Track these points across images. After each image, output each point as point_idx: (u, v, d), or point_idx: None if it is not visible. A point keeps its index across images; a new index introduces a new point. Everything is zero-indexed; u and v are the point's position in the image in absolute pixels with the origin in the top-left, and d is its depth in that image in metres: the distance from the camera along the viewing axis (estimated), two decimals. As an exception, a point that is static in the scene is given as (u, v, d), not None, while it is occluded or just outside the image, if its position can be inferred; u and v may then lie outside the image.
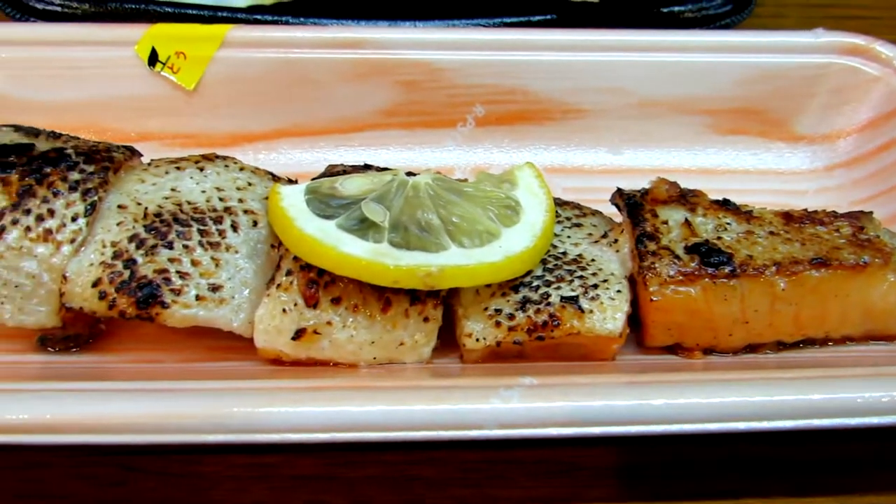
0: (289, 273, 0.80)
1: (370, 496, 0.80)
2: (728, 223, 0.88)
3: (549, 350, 0.84)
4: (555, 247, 0.87)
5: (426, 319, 0.82)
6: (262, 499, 0.79)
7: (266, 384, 0.73)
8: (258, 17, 1.16)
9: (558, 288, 0.83)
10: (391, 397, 0.69)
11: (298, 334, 0.79)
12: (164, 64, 1.05)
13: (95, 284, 0.79)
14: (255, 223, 0.85)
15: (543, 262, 0.85)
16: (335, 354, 0.81)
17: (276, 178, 0.91)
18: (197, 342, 0.86)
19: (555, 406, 0.69)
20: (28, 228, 0.79)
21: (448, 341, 0.85)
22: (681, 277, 0.82)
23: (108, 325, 0.87)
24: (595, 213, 0.95)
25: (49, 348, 0.85)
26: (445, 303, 0.83)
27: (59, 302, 0.80)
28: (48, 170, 0.82)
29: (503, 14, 1.19)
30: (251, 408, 0.68)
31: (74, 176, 0.82)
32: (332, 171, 0.92)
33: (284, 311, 0.79)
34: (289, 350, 0.80)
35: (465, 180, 0.91)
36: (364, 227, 0.80)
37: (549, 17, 1.19)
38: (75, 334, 0.85)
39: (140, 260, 0.79)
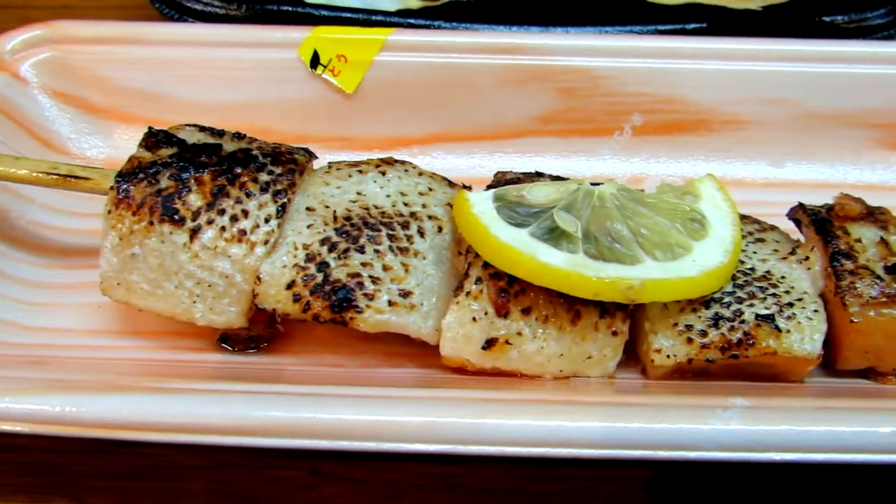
0: (478, 281, 0.79)
1: (557, 512, 0.79)
2: (924, 243, 0.84)
3: (736, 369, 0.81)
4: (742, 262, 0.84)
5: (615, 333, 0.80)
6: (448, 509, 0.78)
7: (468, 394, 0.72)
8: (411, 21, 1.15)
9: (751, 305, 0.81)
10: (606, 413, 0.68)
11: (489, 344, 0.78)
12: (325, 67, 1.06)
13: (289, 287, 0.79)
14: (439, 229, 0.84)
15: (732, 277, 0.83)
16: (522, 365, 0.79)
17: (451, 184, 0.90)
18: (372, 347, 0.86)
19: (778, 430, 0.67)
20: (223, 228, 0.80)
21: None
22: (884, 299, 0.79)
23: (285, 326, 0.88)
24: (773, 227, 0.92)
25: (229, 348, 0.86)
26: (632, 316, 0.81)
27: (249, 303, 0.80)
28: (239, 170, 0.82)
29: (656, 21, 1.17)
30: (467, 419, 0.67)
31: (264, 177, 0.83)
32: (505, 178, 0.91)
33: (474, 319, 0.78)
34: (475, 359, 0.79)
35: (643, 191, 0.89)
36: (555, 237, 0.78)
37: (703, 24, 1.16)
38: (257, 335, 0.85)
39: (333, 263, 0.79)
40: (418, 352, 0.83)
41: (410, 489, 0.79)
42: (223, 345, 0.86)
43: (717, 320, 0.80)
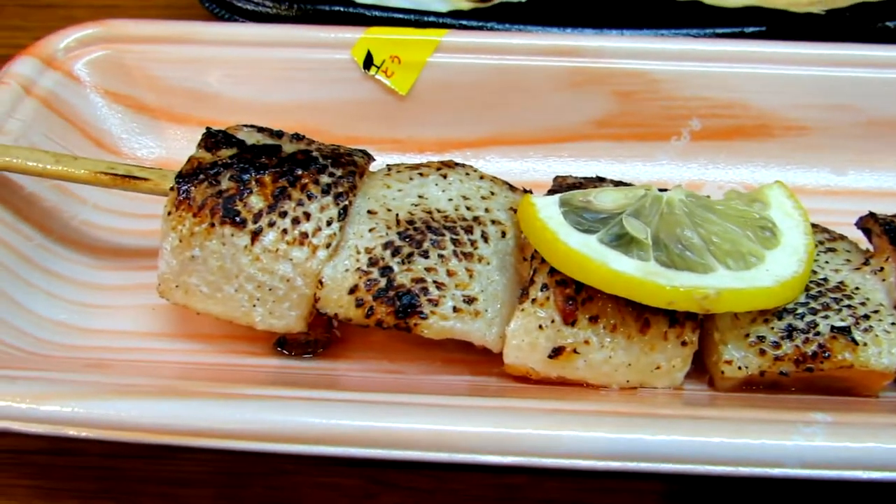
0: (544, 288, 0.77)
1: (624, 527, 0.77)
2: None
3: (807, 382, 0.79)
4: (814, 272, 0.82)
5: (684, 343, 0.77)
6: (512, 522, 0.76)
7: (539, 405, 0.70)
8: (463, 22, 1.14)
9: (826, 317, 0.78)
10: (685, 427, 0.65)
11: (556, 352, 0.76)
12: (378, 68, 1.04)
13: (352, 291, 0.77)
14: (503, 234, 0.82)
15: (806, 288, 0.80)
16: (588, 375, 0.77)
17: (511, 188, 0.88)
18: (430, 353, 0.84)
19: (864, 447, 0.64)
20: (284, 231, 0.78)
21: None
22: (965, 312, 0.76)
23: (341, 331, 0.86)
24: (842, 237, 0.89)
25: (286, 352, 0.85)
26: (701, 326, 0.79)
27: (310, 307, 0.79)
28: (299, 172, 0.81)
29: (714, 24, 1.14)
30: (543, 430, 0.65)
31: (325, 179, 0.81)
32: (566, 183, 0.89)
33: (541, 327, 0.76)
34: (540, 368, 0.77)
35: (709, 197, 0.87)
36: (624, 244, 0.76)
37: (762, 28, 1.14)
38: (315, 340, 0.83)
39: (396, 268, 0.77)
40: (478, 359, 0.82)
41: (473, 500, 0.77)
42: (280, 349, 0.84)
43: (790, 332, 0.77)
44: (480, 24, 1.14)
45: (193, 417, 0.69)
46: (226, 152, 0.82)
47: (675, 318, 0.77)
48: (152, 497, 0.78)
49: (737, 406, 0.76)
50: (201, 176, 0.80)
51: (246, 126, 0.87)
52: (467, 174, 0.87)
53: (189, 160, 0.81)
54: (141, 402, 0.69)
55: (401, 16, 1.14)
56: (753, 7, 1.16)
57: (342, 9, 1.14)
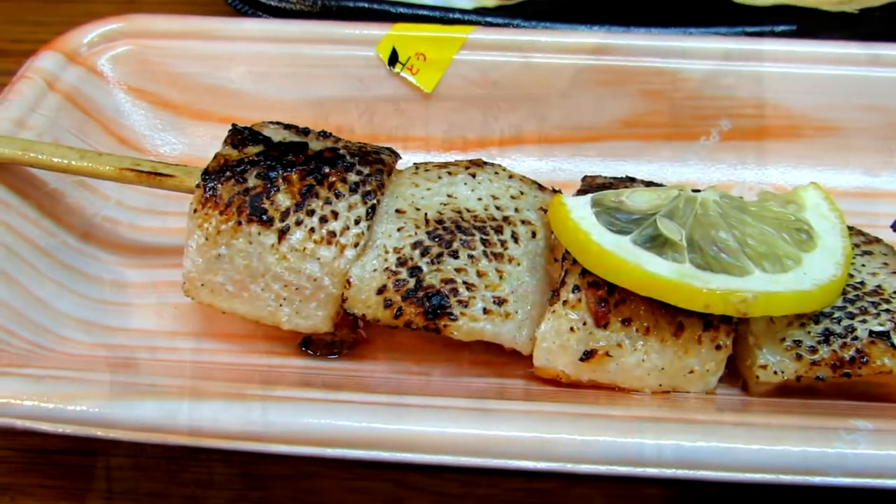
0: (576, 289, 0.76)
1: (656, 533, 0.75)
2: None
3: (844, 388, 0.77)
4: (850, 275, 0.80)
5: (718, 347, 0.76)
6: (542, 527, 0.75)
7: (572, 409, 0.68)
8: (489, 19, 1.12)
9: (864, 321, 0.76)
10: (723, 434, 0.64)
11: (588, 355, 0.75)
12: (403, 65, 1.03)
13: (380, 292, 0.76)
14: (533, 234, 0.80)
15: (842, 291, 0.78)
16: (620, 378, 0.76)
17: (541, 188, 0.87)
18: (457, 355, 0.83)
19: (910, 456, 0.62)
20: (312, 230, 0.77)
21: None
22: None
23: (366, 331, 0.85)
24: (877, 240, 0.87)
25: (311, 352, 0.83)
26: (735, 330, 0.77)
27: (337, 307, 0.78)
28: (327, 170, 0.79)
29: (743, 22, 1.13)
30: (578, 436, 0.63)
31: (352, 177, 0.80)
32: (596, 183, 0.87)
33: (572, 329, 0.75)
34: (571, 371, 0.76)
35: (741, 198, 0.85)
36: (658, 245, 0.75)
37: (793, 27, 1.12)
38: (340, 340, 0.82)
39: (426, 268, 0.76)
40: (505, 360, 0.80)
41: (502, 505, 0.76)
42: (304, 349, 0.83)
43: (827, 336, 0.76)
44: (506, 21, 1.13)
45: (218, 419, 0.68)
46: (252, 149, 0.81)
47: (709, 322, 0.76)
48: (177, 499, 0.77)
49: (773, 412, 0.75)
50: (228, 173, 0.78)
51: (272, 123, 0.86)
52: (496, 173, 0.85)
53: (215, 157, 0.80)
54: (166, 404, 0.68)
55: (426, 12, 1.12)
56: (784, 5, 1.14)
57: (366, 5, 1.13)
